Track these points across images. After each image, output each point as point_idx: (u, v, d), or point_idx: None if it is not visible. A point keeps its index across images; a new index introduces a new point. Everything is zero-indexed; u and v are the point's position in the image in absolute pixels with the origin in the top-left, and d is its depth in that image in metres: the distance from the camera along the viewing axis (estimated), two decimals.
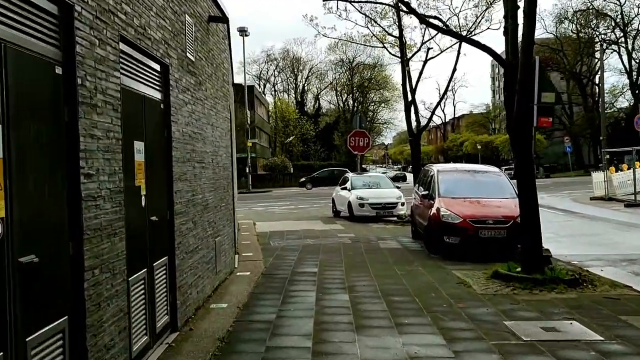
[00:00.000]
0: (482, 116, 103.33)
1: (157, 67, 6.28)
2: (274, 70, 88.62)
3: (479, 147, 77.70)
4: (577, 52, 71.24)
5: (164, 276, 6.29)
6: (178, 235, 6.75)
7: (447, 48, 19.31)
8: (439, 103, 19.91)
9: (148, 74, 5.97)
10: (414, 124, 20.32)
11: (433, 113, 22.59)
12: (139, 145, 5.53)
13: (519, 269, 9.64)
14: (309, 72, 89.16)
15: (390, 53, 20.33)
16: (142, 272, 5.50)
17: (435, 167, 14.49)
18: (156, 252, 6.02)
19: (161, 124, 6.41)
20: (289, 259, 12.00)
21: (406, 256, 12.46)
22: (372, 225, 19.00)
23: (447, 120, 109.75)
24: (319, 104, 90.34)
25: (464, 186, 13.36)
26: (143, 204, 5.62)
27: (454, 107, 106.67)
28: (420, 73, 19.38)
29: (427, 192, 13.77)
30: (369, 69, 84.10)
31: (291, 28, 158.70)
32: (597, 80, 70.68)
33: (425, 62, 19.20)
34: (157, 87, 6.31)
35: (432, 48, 19.02)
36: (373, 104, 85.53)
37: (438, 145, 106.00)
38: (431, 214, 12.73)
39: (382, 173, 41.50)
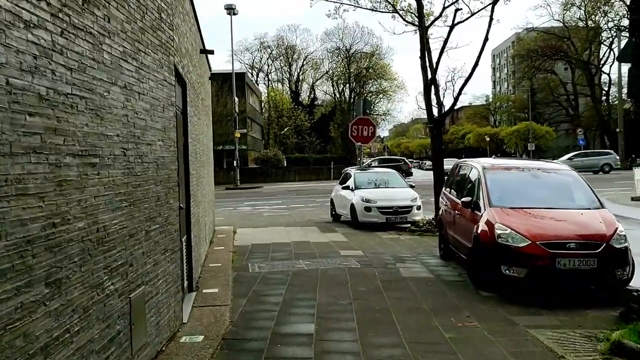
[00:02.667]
0: (483, 108, 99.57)
1: None
2: (267, 59, 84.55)
3: (487, 138, 73.76)
4: (587, 39, 67.26)
5: None
6: None
7: (480, 10, 15.21)
8: (469, 77, 15.74)
9: None
10: (434, 108, 16.21)
11: (461, 89, 18.58)
12: None
13: None
14: (304, 60, 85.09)
15: (404, 20, 16.21)
16: None
17: (478, 164, 10.35)
18: None
19: None
20: (270, 302, 7.94)
21: (445, 295, 8.45)
22: (382, 235, 15.00)
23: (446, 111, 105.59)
24: (314, 94, 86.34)
25: (523, 191, 9.34)
26: None
27: (454, 98, 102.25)
28: (445, 42, 15.14)
29: (468, 198, 9.75)
30: (366, 57, 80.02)
31: (286, 16, 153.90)
32: (607, 69, 66.94)
33: (452, 27, 15.05)
34: None
35: (460, 9, 14.77)
36: (371, 94, 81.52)
37: None
38: (479, 231, 8.73)
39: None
